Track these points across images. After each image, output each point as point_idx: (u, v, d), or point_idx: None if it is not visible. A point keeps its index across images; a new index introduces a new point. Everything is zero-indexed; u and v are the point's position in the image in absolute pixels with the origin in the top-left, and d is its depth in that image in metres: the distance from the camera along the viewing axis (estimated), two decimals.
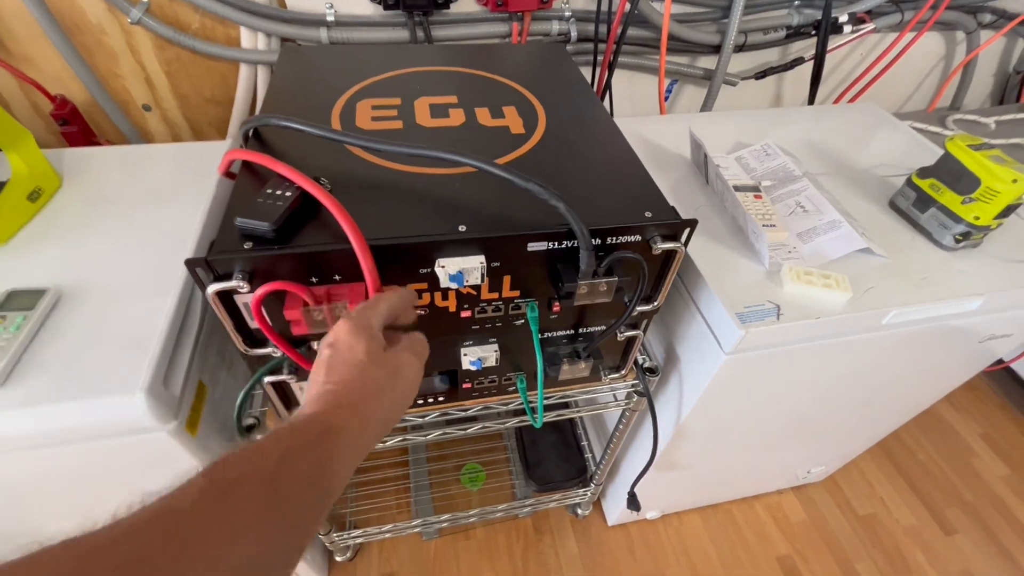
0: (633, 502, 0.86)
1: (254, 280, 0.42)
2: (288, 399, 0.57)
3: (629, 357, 0.65)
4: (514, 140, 0.56)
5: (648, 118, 0.93)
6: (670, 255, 0.51)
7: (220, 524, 0.24)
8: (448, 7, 0.92)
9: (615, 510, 1.14)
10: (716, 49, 1.07)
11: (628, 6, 0.91)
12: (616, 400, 0.77)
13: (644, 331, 0.61)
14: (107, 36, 0.89)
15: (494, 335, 0.55)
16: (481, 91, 0.65)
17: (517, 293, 0.51)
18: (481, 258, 0.45)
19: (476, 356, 0.56)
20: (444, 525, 1.10)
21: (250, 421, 0.61)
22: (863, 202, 0.78)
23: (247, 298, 0.44)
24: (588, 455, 1.10)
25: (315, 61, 0.69)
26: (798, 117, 0.97)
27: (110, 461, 0.54)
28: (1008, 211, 0.66)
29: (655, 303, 0.56)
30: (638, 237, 0.48)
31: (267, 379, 0.52)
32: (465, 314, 0.51)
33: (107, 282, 0.58)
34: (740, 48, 1.07)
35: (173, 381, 0.53)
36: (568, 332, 0.58)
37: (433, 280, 0.46)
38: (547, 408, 0.68)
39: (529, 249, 0.46)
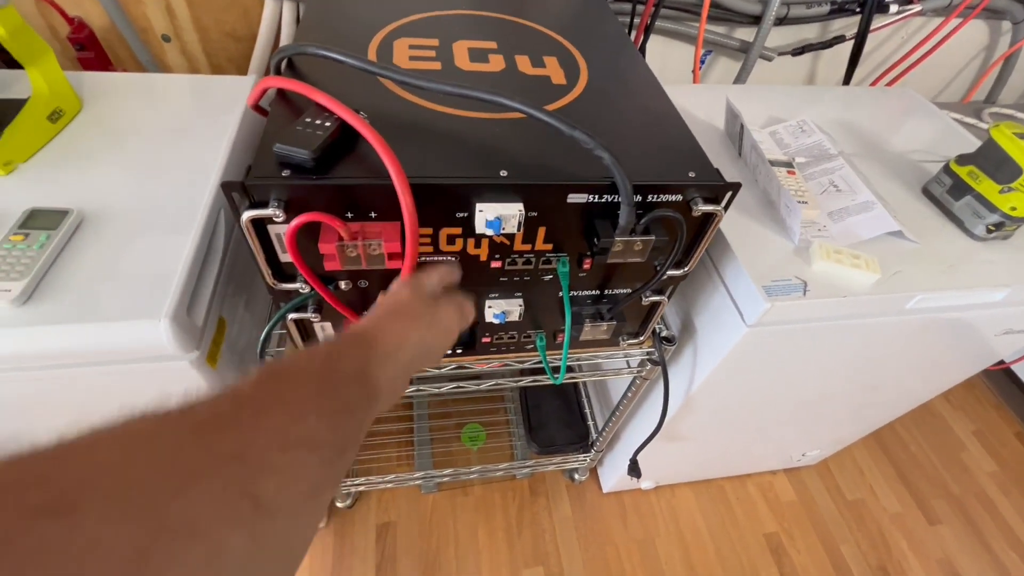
0: (634, 469, 0.88)
1: (289, 210, 0.41)
2: (310, 339, 0.57)
3: (649, 324, 0.65)
4: (556, 90, 0.55)
5: (681, 86, 0.90)
6: (707, 219, 0.50)
7: (280, 403, 0.25)
8: None
9: (611, 478, 1.16)
10: (756, 20, 1.03)
11: None
12: (628, 367, 0.77)
13: (669, 298, 0.60)
14: None
15: (520, 289, 0.55)
16: (521, 39, 0.63)
17: (550, 247, 0.50)
18: (520, 205, 0.44)
19: (500, 309, 0.55)
20: (445, 480, 1.12)
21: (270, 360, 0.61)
22: (895, 186, 0.76)
23: (280, 229, 0.43)
24: (590, 422, 1.12)
25: None
26: (834, 97, 0.95)
27: (131, 388, 0.54)
28: None
29: (686, 268, 0.55)
30: (679, 197, 0.47)
31: (291, 316, 0.52)
32: (495, 264, 0.51)
33: (129, 208, 0.57)
34: (781, 21, 1.04)
35: (196, 311, 0.53)
36: (593, 293, 0.58)
37: (468, 225, 0.45)
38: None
39: (569, 200, 0.45)
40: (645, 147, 0.49)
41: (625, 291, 0.58)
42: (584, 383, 1.20)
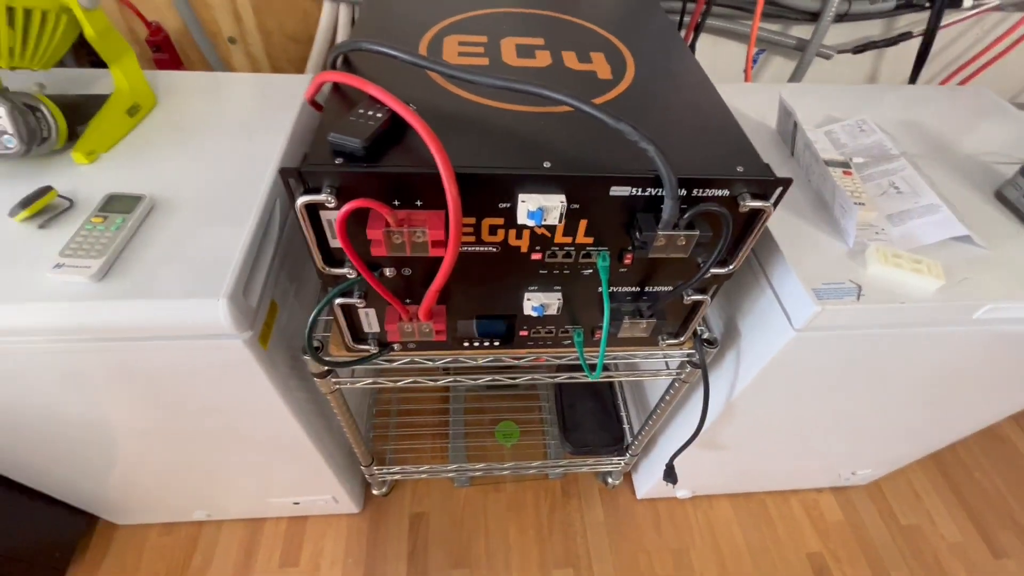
0: (670, 475, 0.86)
1: (340, 196, 0.43)
2: (354, 324, 0.59)
3: (690, 324, 0.63)
4: (601, 85, 0.55)
5: (732, 84, 0.88)
6: (755, 216, 0.49)
7: None
8: None
9: (645, 484, 1.14)
10: (814, 17, 0.99)
11: None
12: (668, 368, 0.76)
13: (712, 297, 0.59)
14: None
15: (559, 283, 0.55)
16: (568, 35, 0.63)
17: (591, 240, 0.50)
18: (562, 197, 0.44)
19: (539, 302, 0.55)
20: (478, 474, 1.14)
21: (315, 344, 0.63)
22: (964, 189, 0.72)
23: (331, 215, 0.45)
24: (626, 426, 1.10)
25: None
26: (898, 96, 0.90)
27: (189, 363, 0.57)
28: None
29: (731, 267, 0.54)
30: (726, 192, 0.46)
31: (337, 301, 0.54)
32: (536, 256, 0.51)
33: (195, 196, 0.61)
34: (842, 17, 0.99)
35: (251, 293, 0.56)
36: (633, 290, 0.57)
37: (510, 216, 0.46)
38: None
39: (611, 193, 0.45)
40: (692, 141, 0.49)
41: (666, 288, 0.57)
42: (621, 385, 1.18)
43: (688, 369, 0.74)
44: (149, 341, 0.54)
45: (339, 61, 0.54)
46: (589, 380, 0.70)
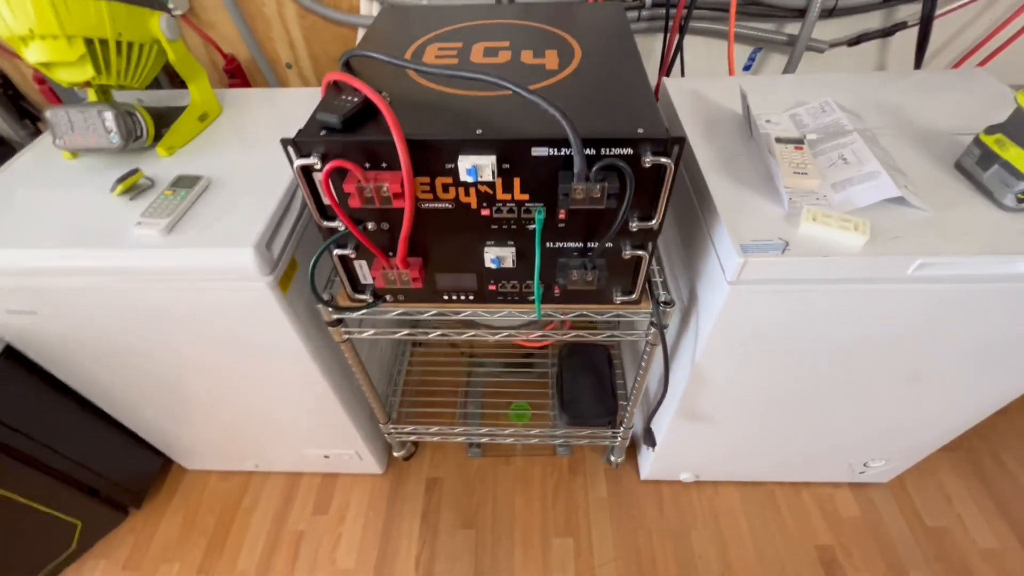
0: (649, 437, 0.92)
1: (324, 160, 0.57)
2: (351, 274, 0.73)
3: (639, 280, 0.71)
4: (547, 74, 0.66)
5: (715, 79, 0.96)
6: (662, 172, 0.57)
7: None
8: None
9: (649, 465, 1.19)
10: (802, 13, 1.04)
11: None
12: (637, 331, 0.83)
13: (650, 253, 0.67)
14: (265, 7, 1.14)
15: (511, 238, 0.66)
16: (533, 38, 0.75)
17: (527, 197, 0.61)
18: (492, 158, 0.55)
19: (495, 255, 0.66)
20: (484, 440, 1.24)
21: (326, 296, 0.78)
22: (925, 161, 0.75)
23: (321, 176, 0.60)
24: (623, 403, 1.16)
25: (406, 17, 0.84)
26: (882, 81, 0.93)
27: (228, 300, 0.74)
28: None
29: (653, 222, 0.62)
30: (630, 151, 0.55)
31: (336, 252, 0.68)
32: (484, 212, 0.63)
33: (241, 176, 0.78)
34: (830, 12, 1.04)
35: (274, 247, 0.72)
36: (578, 245, 0.67)
37: (455, 175, 0.58)
38: (577, 328, 0.78)
39: (533, 153, 0.56)
40: (607, 112, 0.59)
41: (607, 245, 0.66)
42: (620, 363, 1.24)
43: (652, 331, 0.81)
44: (200, 282, 0.71)
45: (343, 65, 0.69)
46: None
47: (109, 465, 1.10)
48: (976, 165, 0.70)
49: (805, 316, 0.71)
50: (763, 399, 0.91)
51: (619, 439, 1.12)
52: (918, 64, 1.07)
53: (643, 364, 0.90)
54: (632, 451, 1.28)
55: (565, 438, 1.20)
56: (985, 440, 1.29)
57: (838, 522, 1.18)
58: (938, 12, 1.02)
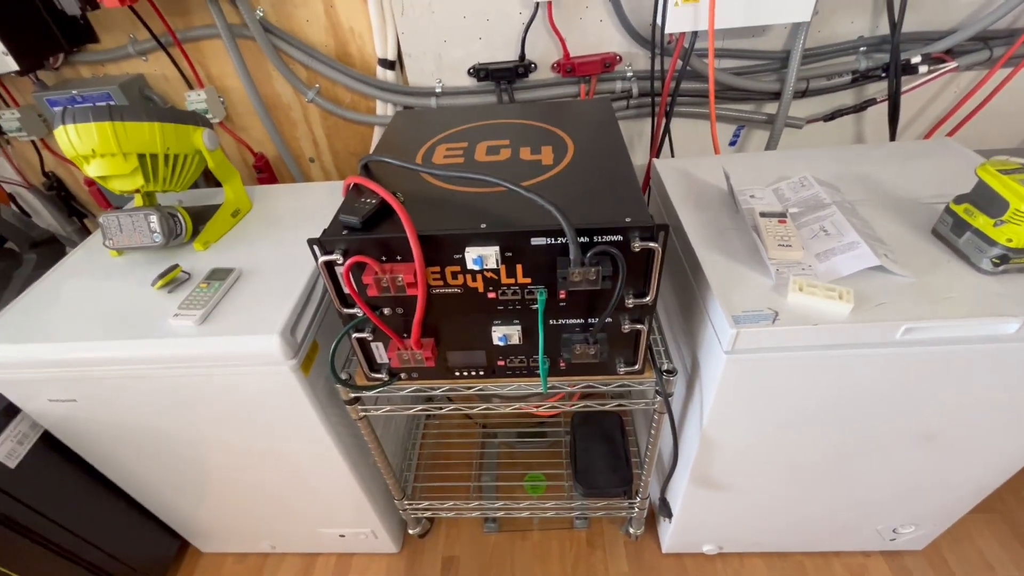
0: (665, 507, 0.91)
1: (346, 256, 0.63)
2: (368, 356, 0.78)
3: (640, 351, 0.75)
4: (543, 169, 0.74)
5: (702, 157, 1.04)
6: (653, 256, 0.63)
7: None
8: (527, 76, 1.15)
9: (669, 537, 1.16)
10: (778, 96, 1.14)
11: (680, 64, 1.05)
12: (646, 398, 0.85)
13: (648, 326, 0.71)
14: (292, 111, 1.28)
15: (516, 317, 0.71)
16: (530, 136, 0.84)
17: (529, 280, 0.66)
18: (496, 248, 0.62)
19: (503, 333, 0.71)
20: (500, 515, 1.22)
21: (344, 376, 0.82)
22: (904, 228, 0.80)
23: (342, 270, 0.66)
24: (638, 472, 1.15)
25: (417, 119, 0.95)
26: (857, 154, 1.00)
27: (255, 385, 0.78)
28: None
29: (648, 298, 0.67)
30: (620, 237, 0.61)
31: (355, 335, 0.74)
32: (491, 295, 0.68)
33: (269, 268, 0.86)
34: (802, 94, 1.13)
35: (297, 333, 0.77)
36: (579, 321, 0.71)
37: (463, 264, 0.64)
38: (586, 398, 0.80)
39: (533, 243, 0.62)
40: (597, 202, 0.65)
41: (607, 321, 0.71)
42: (634, 429, 1.24)
43: (658, 399, 0.83)
44: (229, 367, 0.76)
45: (362, 168, 0.78)
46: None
47: (128, 549, 1.11)
48: (951, 232, 0.74)
49: (802, 381, 0.73)
50: (776, 464, 0.91)
51: (636, 509, 1.11)
52: (892, 135, 1.15)
53: (652, 432, 0.91)
54: (652, 522, 1.25)
55: (581, 510, 1.18)
56: (1019, 499, 1.24)
57: None
58: (904, 88, 1.11)
